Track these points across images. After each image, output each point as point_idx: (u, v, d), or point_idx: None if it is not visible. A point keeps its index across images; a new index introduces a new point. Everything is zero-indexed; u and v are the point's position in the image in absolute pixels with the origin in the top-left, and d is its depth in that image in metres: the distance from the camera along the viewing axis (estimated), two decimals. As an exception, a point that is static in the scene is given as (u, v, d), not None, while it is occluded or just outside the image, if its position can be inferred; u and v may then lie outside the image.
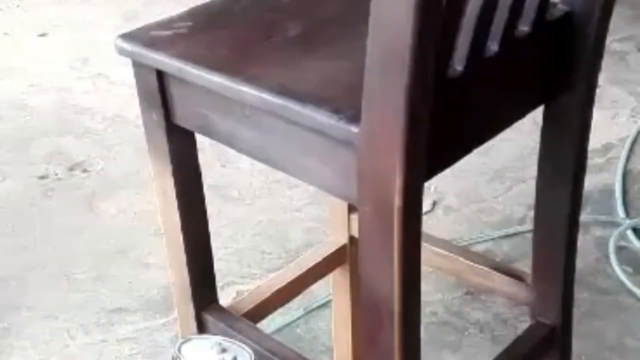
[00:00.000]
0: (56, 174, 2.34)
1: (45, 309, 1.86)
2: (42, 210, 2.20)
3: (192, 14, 1.10)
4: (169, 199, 1.17)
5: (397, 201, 0.87)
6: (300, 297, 1.56)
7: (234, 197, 2.24)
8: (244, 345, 1.20)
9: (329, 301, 1.74)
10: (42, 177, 2.33)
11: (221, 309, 1.29)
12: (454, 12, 0.85)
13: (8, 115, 2.63)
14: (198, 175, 1.18)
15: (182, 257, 1.22)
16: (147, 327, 1.81)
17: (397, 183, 0.86)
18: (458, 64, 0.90)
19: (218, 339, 1.21)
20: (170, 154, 1.11)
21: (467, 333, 1.79)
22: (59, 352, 1.76)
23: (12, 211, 2.19)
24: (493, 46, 0.94)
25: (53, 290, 1.92)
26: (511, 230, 2.07)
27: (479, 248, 2.01)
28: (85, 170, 2.36)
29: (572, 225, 1.22)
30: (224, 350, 1.18)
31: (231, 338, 1.23)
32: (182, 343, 1.19)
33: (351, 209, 1.48)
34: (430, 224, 2.07)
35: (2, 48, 3.04)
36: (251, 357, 1.18)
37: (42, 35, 3.11)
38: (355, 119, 0.86)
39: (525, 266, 1.43)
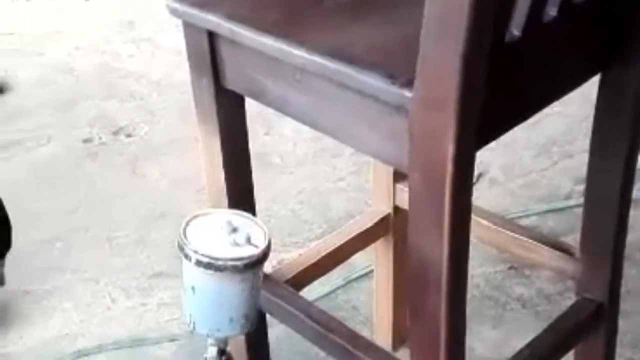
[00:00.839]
0: (100, 138, 2.35)
1: (87, 271, 1.88)
2: (85, 174, 2.21)
3: (245, -25, 1.08)
4: (216, 163, 1.17)
5: (449, 168, 0.85)
6: (339, 266, 1.55)
7: (276, 165, 2.23)
8: (257, 220, 1.11)
9: (370, 272, 1.73)
10: (86, 141, 2.34)
11: (263, 275, 1.28)
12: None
13: (53, 78, 2.64)
14: (245, 140, 1.17)
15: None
16: (188, 292, 1.83)
17: (450, 149, 0.84)
18: (515, 29, 0.88)
19: (228, 215, 1.09)
20: (219, 117, 1.10)
21: (509, 308, 1.77)
22: (100, 314, 1.78)
23: (56, 174, 2.21)
24: (551, 11, 0.91)
25: (96, 253, 1.93)
26: (557, 205, 2.04)
27: (524, 222, 1.98)
28: (129, 135, 2.37)
29: (624, 200, 1.19)
30: (234, 230, 1.07)
31: (243, 214, 1.10)
32: (187, 223, 1.08)
33: (396, 178, 1.46)
34: (474, 197, 2.04)
35: (48, 11, 3.05)
36: (265, 234, 1.09)
37: (89, -1, 3.12)
38: (408, 83, 0.85)
39: (571, 242, 1.41)
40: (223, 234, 1.06)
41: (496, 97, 0.88)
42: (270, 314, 1.29)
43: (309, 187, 2.15)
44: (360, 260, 1.74)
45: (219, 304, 1.09)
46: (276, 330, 1.45)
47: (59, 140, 2.35)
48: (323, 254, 1.40)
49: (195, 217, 1.09)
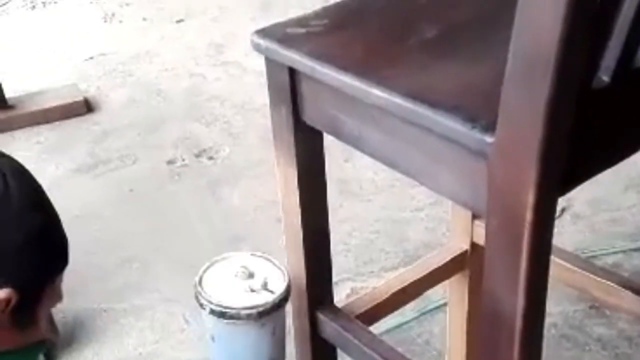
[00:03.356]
0: (183, 160, 2.39)
1: (164, 292, 1.90)
2: (167, 195, 2.25)
3: (328, 12, 1.09)
4: (292, 194, 1.17)
5: (528, 216, 0.83)
6: (413, 298, 1.53)
7: (355, 192, 2.22)
8: (276, 262, 1.09)
9: (443, 304, 1.71)
10: (170, 162, 2.38)
11: (335, 309, 1.28)
12: (605, 19, 0.80)
13: (142, 99, 2.71)
14: (322, 173, 1.17)
15: (300, 255, 1.21)
16: (261, 317, 1.83)
17: (530, 198, 0.82)
18: (604, 75, 0.85)
19: (243, 259, 1.09)
20: (297, 151, 1.11)
21: (587, 349, 1.72)
22: (174, 336, 1.79)
23: (140, 194, 2.25)
24: (643, 57, 0.88)
25: (173, 274, 1.96)
26: (643, 244, 1.97)
27: (607, 260, 1.92)
28: (211, 158, 2.40)
29: None
30: (251, 275, 1.07)
31: (265, 257, 1.08)
32: (204, 271, 1.09)
33: (475, 214, 1.43)
34: (556, 232, 1.98)
35: (140, 33, 3.13)
36: (284, 277, 1.07)
37: (179, 21, 3.18)
38: (489, 128, 0.83)
39: (656, 282, 1.36)
40: (239, 280, 1.06)
41: (581, 143, 0.85)
42: (340, 348, 1.28)
43: (386, 216, 2.13)
44: (434, 292, 1.72)
45: (240, 353, 1.09)
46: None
47: (144, 160, 2.40)
48: (396, 289, 1.38)
49: (213, 263, 1.09)
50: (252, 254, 1.08)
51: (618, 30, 0.83)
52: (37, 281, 0.86)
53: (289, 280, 1.04)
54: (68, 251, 0.90)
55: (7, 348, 0.87)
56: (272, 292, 1.05)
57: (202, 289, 1.05)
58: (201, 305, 1.05)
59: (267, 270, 1.07)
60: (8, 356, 0.88)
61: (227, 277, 1.06)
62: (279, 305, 1.06)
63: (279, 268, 1.06)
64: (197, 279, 1.06)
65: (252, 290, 1.05)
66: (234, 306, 1.03)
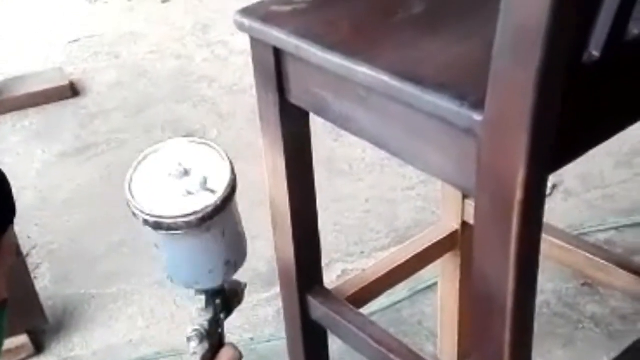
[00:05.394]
0: (171, 142, 2.37)
1: (153, 277, 1.87)
2: (155, 178, 2.23)
3: (314, -12, 1.06)
4: (279, 176, 1.15)
5: (518, 195, 0.82)
6: (404, 278, 1.51)
7: (344, 172, 2.21)
8: (217, 148, 0.90)
9: (434, 284, 1.70)
10: (157, 145, 2.36)
11: (325, 291, 1.26)
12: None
13: (128, 81, 2.68)
14: (309, 155, 1.15)
15: (289, 238, 1.20)
16: (250, 301, 1.81)
17: (520, 176, 0.80)
18: (594, 49, 0.83)
19: (179, 150, 0.89)
20: (283, 132, 1.09)
21: (581, 327, 1.71)
22: (164, 320, 1.78)
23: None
24: (634, 29, 0.86)
25: (162, 258, 1.94)
26: (636, 220, 1.96)
27: (600, 237, 1.92)
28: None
29: None
30: (187, 173, 0.86)
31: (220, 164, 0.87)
32: (134, 170, 0.88)
33: (466, 193, 1.42)
34: (547, 209, 1.96)
35: (126, 14, 3.10)
36: (228, 167, 0.89)
37: (165, 1, 3.15)
38: (478, 106, 0.81)
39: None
40: (173, 180, 0.86)
41: (572, 118, 0.83)
42: (331, 330, 1.27)
43: (376, 195, 2.12)
44: (425, 272, 1.71)
45: (188, 260, 0.91)
46: (337, 345, 1.42)
47: (131, 144, 2.37)
48: (387, 269, 1.37)
49: (145, 157, 0.89)
50: (189, 141, 0.88)
51: (608, 3, 0.81)
52: None
53: (233, 172, 0.86)
54: (13, 203, 0.80)
55: None
56: (213, 191, 0.85)
57: (133, 195, 0.84)
58: (133, 214, 0.84)
59: (207, 163, 0.87)
60: None
61: (160, 178, 0.86)
62: (222, 207, 0.86)
63: (222, 157, 0.87)
64: (126, 181, 0.85)
65: (190, 193, 0.85)
66: (169, 215, 0.83)
